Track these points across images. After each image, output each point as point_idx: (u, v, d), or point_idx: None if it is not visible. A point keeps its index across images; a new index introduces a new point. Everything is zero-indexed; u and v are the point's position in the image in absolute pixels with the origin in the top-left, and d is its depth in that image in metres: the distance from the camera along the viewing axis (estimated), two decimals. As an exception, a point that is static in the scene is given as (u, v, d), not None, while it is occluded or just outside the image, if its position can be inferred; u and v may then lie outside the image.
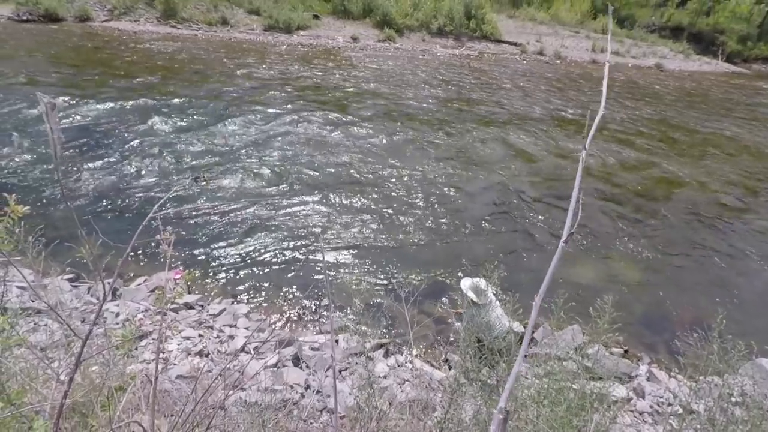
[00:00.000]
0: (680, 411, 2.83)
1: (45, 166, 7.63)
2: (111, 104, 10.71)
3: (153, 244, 5.45)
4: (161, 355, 3.77)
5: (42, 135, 8.54)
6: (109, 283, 4.53)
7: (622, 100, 17.93)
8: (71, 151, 8.17)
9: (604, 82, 1.22)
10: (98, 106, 10.50)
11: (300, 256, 6.32)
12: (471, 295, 3.87)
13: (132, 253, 5.72)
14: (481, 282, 3.92)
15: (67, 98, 10.57)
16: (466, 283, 3.97)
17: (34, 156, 7.94)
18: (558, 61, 25.74)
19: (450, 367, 4.70)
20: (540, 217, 7.95)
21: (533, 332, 5.22)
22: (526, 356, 4.31)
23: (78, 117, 9.85)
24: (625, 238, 7.64)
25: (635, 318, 5.84)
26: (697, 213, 8.86)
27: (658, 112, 16.70)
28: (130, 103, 10.96)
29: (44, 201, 6.81)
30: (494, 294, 4.08)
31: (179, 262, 5.87)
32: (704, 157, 12.20)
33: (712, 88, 23.30)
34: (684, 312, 6.01)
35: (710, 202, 9.42)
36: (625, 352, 5.27)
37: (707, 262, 7.25)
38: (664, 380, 4.71)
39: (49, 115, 1.04)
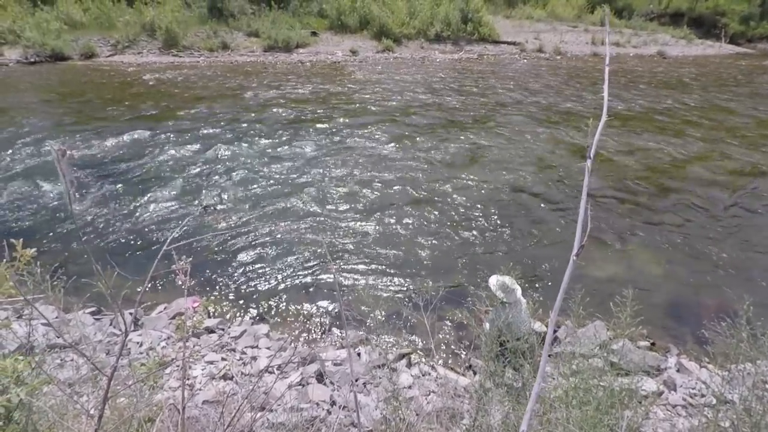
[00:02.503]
0: (714, 402, 2.77)
1: (60, 204, 7.78)
2: (121, 136, 10.88)
3: (169, 271, 5.51)
4: (187, 382, 3.79)
5: (56, 174, 8.71)
6: (131, 314, 4.58)
7: (652, 89, 17.86)
8: (84, 191, 8.29)
9: (605, 87, 1.21)
10: (109, 139, 10.67)
11: (315, 272, 6.33)
12: (499, 293, 3.81)
13: (150, 282, 5.78)
14: (509, 279, 3.86)
15: (75, 142, 10.78)
16: (493, 281, 3.91)
17: (51, 194, 8.09)
18: (558, 57, 25.69)
19: (474, 373, 4.65)
20: (559, 217, 7.88)
21: (556, 331, 5.16)
22: (549, 356, 4.26)
23: (89, 151, 10.03)
24: (644, 228, 7.55)
25: (659, 309, 5.74)
26: (721, 199, 8.73)
27: (702, 98, 16.66)
28: (140, 134, 11.13)
29: (62, 238, 6.91)
30: (521, 293, 4.01)
31: (196, 288, 5.92)
32: None
33: (730, 71, 23.09)
34: (709, 300, 5.90)
35: (738, 188, 9.28)
36: (652, 344, 5.17)
37: (729, 249, 7.11)
38: (694, 371, 4.62)
39: (60, 162, 1.07)
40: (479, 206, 8.15)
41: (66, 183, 1.06)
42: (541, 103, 15.33)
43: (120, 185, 8.58)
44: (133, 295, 5.21)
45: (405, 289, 6.04)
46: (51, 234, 6.95)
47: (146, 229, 7.21)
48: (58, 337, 3.71)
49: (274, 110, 13.60)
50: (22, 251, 1.50)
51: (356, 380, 4.37)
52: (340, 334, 5.27)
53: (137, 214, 7.64)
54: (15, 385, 1.42)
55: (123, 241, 6.92)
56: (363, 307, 5.63)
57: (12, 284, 1.45)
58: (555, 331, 5.16)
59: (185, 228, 7.04)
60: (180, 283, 1.82)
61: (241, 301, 5.80)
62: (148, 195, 8.26)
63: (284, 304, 5.77)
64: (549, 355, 4.10)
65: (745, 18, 35.03)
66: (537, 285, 6.05)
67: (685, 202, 8.56)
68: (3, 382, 1.45)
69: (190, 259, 1.91)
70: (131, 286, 4.93)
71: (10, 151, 9.85)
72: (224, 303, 5.75)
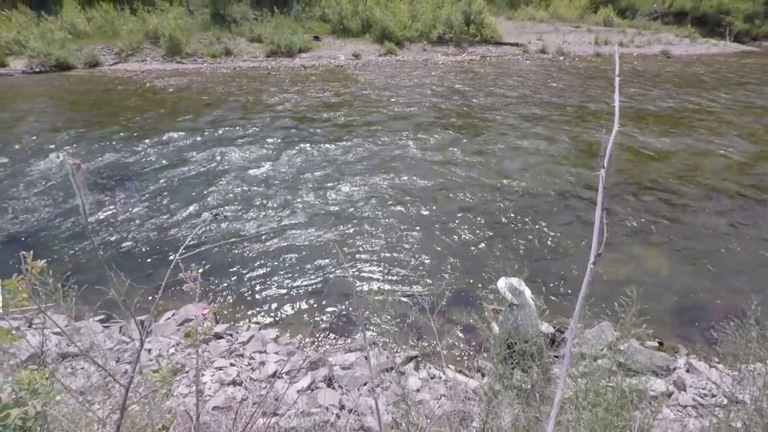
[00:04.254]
0: (725, 402, 2.75)
1: (70, 212, 7.84)
2: (130, 145, 10.96)
3: (178, 277, 5.53)
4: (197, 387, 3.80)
5: (66, 185, 8.80)
6: (141, 321, 4.60)
7: (675, 89, 17.85)
8: (98, 199, 8.32)
9: (616, 96, 1.22)
10: (119, 148, 10.75)
11: (321, 276, 6.34)
12: (507, 295, 3.81)
13: (155, 288, 5.80)
14: (518, 281, 3.86)
15: (88, 150, 10.83)
16: (502, 283, 3.91)
17: (60, 204, 8.16)
18: (561, 58, 25.65)
19: (483, 375, 4.65)
20: (570, 219, 7.85)
21: (563, 332, 5.15)
22: (557, 357, 4.25)
23: (96, 161, 10.09)
24: (651, 227, 7.52)
25: (667, 309, 5.72)
26: (730, 197, 8.69)
27: (731, 97, 16.65)
28: (149, 141, 11.19)
29: (71, 246, 6.96)
30: (531, 295, 4.01)
31: (208, 293, 5.94)
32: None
33: (744, 69, 23.10)
34: (717, 300, 5.87)
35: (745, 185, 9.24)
36: (660, 344, 5.15)
37: (736, 248, 7.07)
38: (704, 371, 4.59)
39: (75, 176, 1.08)
40: (489, 208, 8.15)
41: (80, 196, 1.08)
42: (553, 104, 15.30)
43: (130, 193, 8.63)
44: (143, 303, 5.26)
45: (412, 291, 6.04)
46: (61, 242, 7.01)
47: (156, 237, 7.24)
48: (69, 346, 3.75)
49: (283, 115, 13.64)
50: (32, 263, 1.52)
51: (365, 384, 4.38)
52: (348, 338, 5.28)
53: (147, 221, 7.67)
54: (31, 396, 1.44)
55: (131, 249, 6.96)
56: (369, 310, 5.63)
57: (26, 296, 1.47)
58: (562, 332, 5.15)
59: (195, 234, 7.07)
60: (188, 290, 1.83)
61: (249, 307, 5.82)
62: (159, 202, 8.30)
63: (291, 308, 5.79)
64: (556, 356, 4.09)
65: (750, 16, 34.89)
66: (545, 287, 6.04)
67: (698, 201, 8.53)
68: (20, 394, 1.47)
69: (201, 268, 1.93)
70: (140, 294, 4.97)
71: (17, 158, 9.94)
72: (232, 309, 5.78)
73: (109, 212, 7.89)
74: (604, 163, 1.19)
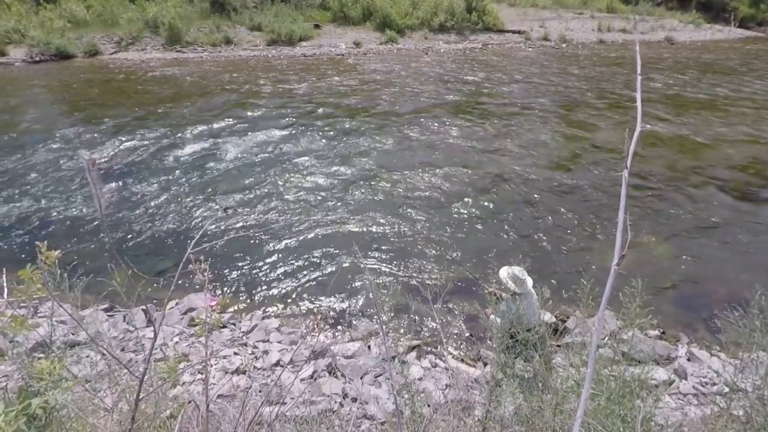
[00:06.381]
0: (726, 390, 2.76)
1: (71, 202, 7.85)
2: (134, 136, 10.92)
3: (188, 269, 5.53)
4: (202, 376, 3.84)
5: (71, 175, 8.79)
6: (145, 311, 4.62)
7: (705, 76, 17.76)
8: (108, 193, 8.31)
9: (638, 95, 1.20)
10: (122, 139, 10.71)
11: (322, 267, 6.36)
12: (510, 284, 3.81)
13: (163, 279, 5.83)
14: (520, 270, 3.86)
15: (94, 142, 10.79)
16: (504, 272, 3.91)
17: (64, 194, 8.16)
18: (564, 45, 25.45)
19: (485, 364, 4.67)
20: (571, 210, 7.83)
21: (565, 321, 5.17)
22: (559, 346, 4.27)
23: (102, 152, 10.06)
24: (654, 215, 7.51)
25: (669, 298, 5.73)
26: (730, 187, 8.67)
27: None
28: (151, 132, 11.16)
29: (74, 236, 6.97)
30: (533, 284, 4.00)
31: (213, 284, 5.96)
32: None
33: (760, 55, 22.87)
34: (719, 289, 5.88)
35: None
36: (662, 333, 5.17)
37: (738, 237, 7.07)
38: (705, 360, 4.61)
39: (91, 171, 1.09)
40: (493, 197, 8.14)
41: (96, 191, 1.08)
42: (559, 93, 15.20)
43: (139, 184, 8.61)
44: (149, 294, 5.31)
45: (413, 281, 6.06)
46: (65, 232, 7.01)
47: (163, 229, 7.23)
48: (74, 335, 3.78)
49: (292, 105, 13.57)
50: (47, 253, 1.52)
51: (367, 373, 4.41)
52: (350, 327, 5.31)
53: (155, 213, 7.66)
54: (47, 386, 1.45)
55: (138, 240, 6.96)
56: (371, 299, 5.65)
57: (40, 286, 1.48)
58: (564, 321, 5.18)
59: (202, 228, 7.06)
60: (195, 281, 1.84)
61: (251, 296, 5.85)
62: (169, 193, 8.29)
63: (293, 298, 5.82)
64: (559, 346, 4.10)
65: (755, 1, 34.50)
66: (547, 276, 6.05)
67: (701, 189, 8.51)
68: (38, 384, 1.49)
69: (202, 251, 1.94)
70: (141, 285, 5.02)
71: (21, 149, 9.93)
72: (235, 298, 5.81)
73: (117, 203, 7.88)
74: (627, 163, 1.17)
